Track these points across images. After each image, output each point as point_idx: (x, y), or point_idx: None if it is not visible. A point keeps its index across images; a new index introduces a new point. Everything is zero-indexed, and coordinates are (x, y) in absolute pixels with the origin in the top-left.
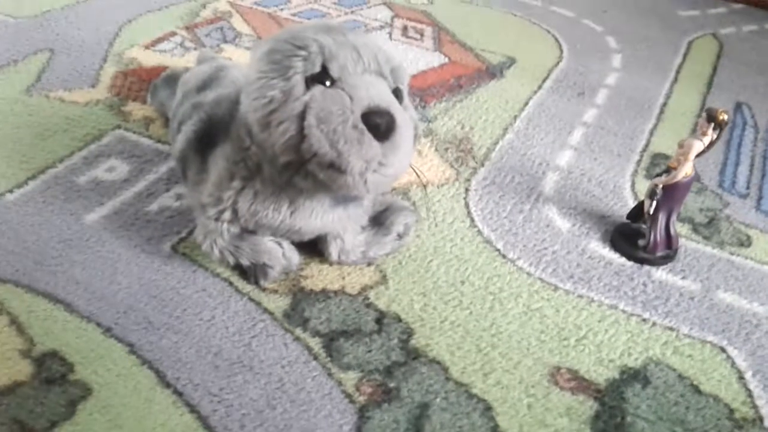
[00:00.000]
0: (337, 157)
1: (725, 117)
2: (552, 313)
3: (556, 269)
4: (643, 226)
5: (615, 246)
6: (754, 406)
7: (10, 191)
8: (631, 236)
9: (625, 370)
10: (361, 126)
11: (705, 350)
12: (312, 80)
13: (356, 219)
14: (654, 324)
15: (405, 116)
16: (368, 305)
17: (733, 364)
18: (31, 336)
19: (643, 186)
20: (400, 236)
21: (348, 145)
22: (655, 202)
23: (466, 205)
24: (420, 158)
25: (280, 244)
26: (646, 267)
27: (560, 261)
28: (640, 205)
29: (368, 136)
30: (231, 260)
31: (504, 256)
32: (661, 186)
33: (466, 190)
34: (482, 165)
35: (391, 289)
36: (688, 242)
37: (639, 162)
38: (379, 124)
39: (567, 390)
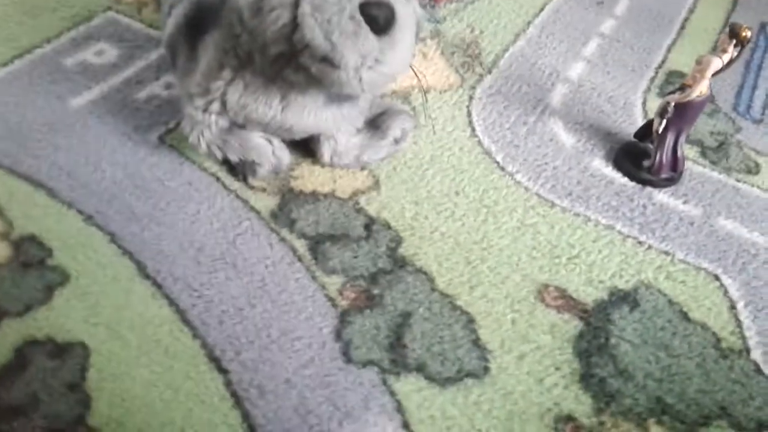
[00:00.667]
0: (331, 49)
1: (748, 34)
2: (546, 230)
3: (555, 185)
4: (650, 145)
5: (618, 164)
6: (742, 337)
7: None
8: (636, 155)
9: (615, 292)
10: (359, 17)
11: (699, 277)
12: None
13: (351, 120)
14: (649, 247)
15: (407, 11)
16: (358, 210)
17: (725, 292)
18: (11, 219)
19: (655, 104)
20: (396, 141)
21: (343, 37)
22: (665, 121)
23: (469, 114)
24: (424, 61)
25: (270, 142)
26: (648, 188)
27: (560, 177)
28: (649, 124)
29: (365, 29)
30: (218, 154)
31: (503, 169)
32: (673, 104)
33: (470, 97)
34: (489, 72)
35: (383, 195)
36: (694, 166)
37: (653, 79)
38: (377, 16)
39: (553, 308)
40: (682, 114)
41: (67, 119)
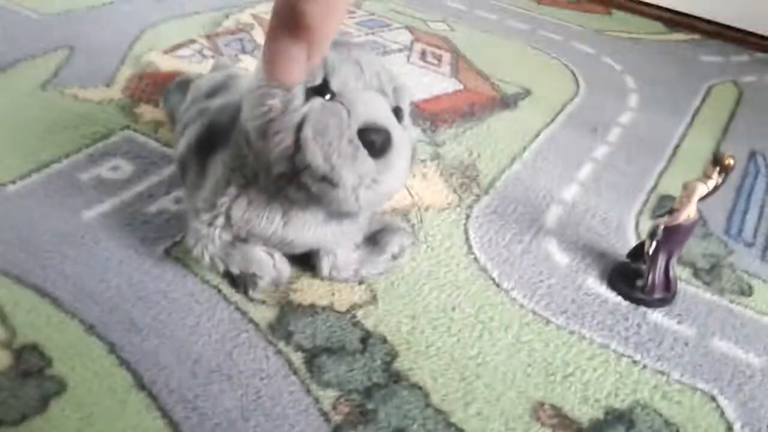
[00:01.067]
0: (330, 170)
1: (731, 162)
2: (541, 347)
3: (550, 303)
4: (643, 266)
5: (612, 284)
6: None
7: (13, 182)
8: (629, 276)
9: (610, 412)
10: (357, 141)
11: (695, 398)
12: (312, 92)
13: (350, 236)
14: (645, 367)
15: (403, 135)
16: (355, 324)
17: (722, 414)
18: (14, 327)
19: (647, 226)
20: (394, 257)
21: (342, 159)
22: (655, 243)
23: (465, 232)
24: (424, 181)
25: (271, 255)
26: (642, 308)
27: (555, 295)
28: (641, 245)
29: (363, 152)
30: (221, 267)
31: (498, 286)
32: (662, 227)
33: (467, 216)
34: (486, 193)
35: (380, 309)
36: (687, 286)
37: (646, 202)
38: (374, 141)
39: (548, 426)
40: (671, 236)
41: (77, 231)
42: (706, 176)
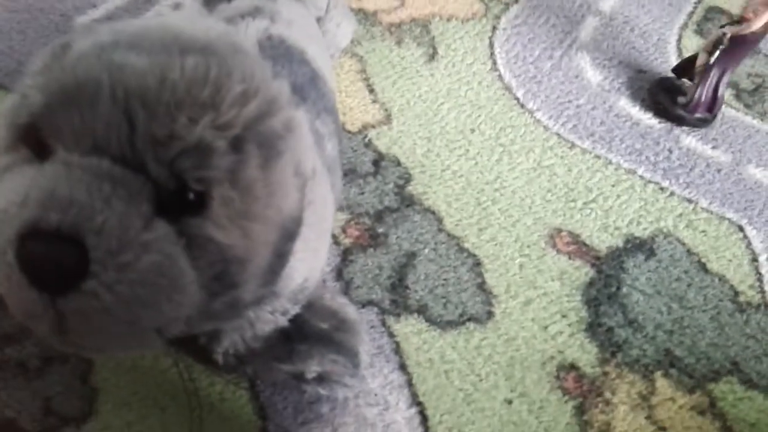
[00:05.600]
0: None
1: None
2: (563, 172)
3: (576, 125)
4: (689, 82)
5: (652, 98)
6: (762, 291)
7: None
8: (672, 91)
9: (631, 240)
10: (11, 259)
11: (721, 227)
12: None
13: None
14: (672, 194)
15: (150, 257)
16: (367, 145)
17: (748, 244)
18: None
19: (690, 42)
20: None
21: (2, 286)
22: (717, 53)
23: (491, 46)
24: None
25: None
26: (675, 132)
27: (583, 116)
28: (690, 59)
29: (19, 278)
30: None
31: (522, 106)
32: (728, 35)
33: (494, 28)
34: (516, 1)
35: (394, 130)
36: (727, 109)
37: (691, 14)
38: (38, 263)
39: (564, 254)
40: (732, 50)
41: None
42: None
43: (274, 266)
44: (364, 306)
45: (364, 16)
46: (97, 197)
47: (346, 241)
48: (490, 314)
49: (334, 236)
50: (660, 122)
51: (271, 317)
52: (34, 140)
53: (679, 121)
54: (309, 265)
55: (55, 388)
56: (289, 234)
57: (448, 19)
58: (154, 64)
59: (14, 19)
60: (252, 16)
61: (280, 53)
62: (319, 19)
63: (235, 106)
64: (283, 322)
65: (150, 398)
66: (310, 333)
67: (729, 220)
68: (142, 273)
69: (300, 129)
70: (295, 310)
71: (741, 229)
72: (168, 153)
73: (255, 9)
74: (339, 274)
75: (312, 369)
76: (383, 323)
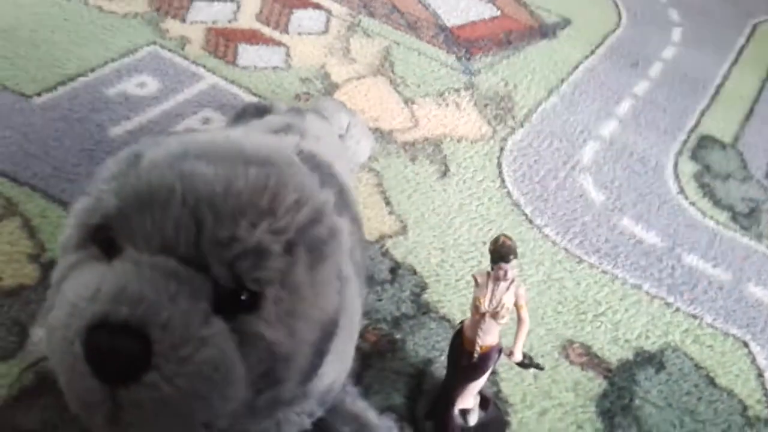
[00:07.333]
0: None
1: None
2: (572, 286)
3: (583, 241)
4: None
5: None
6: None
7: (38, 94)
8: None
9: (640, 353)
10: (78, 349)
11: (726, 343)
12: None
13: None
14: (677, 309)
15: (207, 352)
16: (384, 254)
17: (753, 360)
18: (42, 241)
19: (686, 167)
20: None
21: (64, 375)
22: None
23: (499, 165)
24: (457, 111)
25: None
26: (677, 250)
27: (589, 233)
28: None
29: (83, 368)
30: None
31: (531, 222)
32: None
33: (501, 149)
34: (521, 126)
35: (410, 240)
36: (724, 231)
37: (685, 142)
38: (104, 354)
39: (577, 365)
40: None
41: (104, 146)
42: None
43: (313, 365)
44: (382, 411)
45: (381, 135)
46: (164, 294)
47: (365, 346)
48: (506, 424)
49: None
50: (662, 241)
51: (297, 419)
52: (106, 240)
53: None
54: (337, 367)
55: None
56: (328, 334)
57: (459, 140)
58: (221, 174)
59: (51, 126)
60: (285, 132)
61: (312, 167)
62: (340, 137)
63: (289, 213)
64: (307, 424)
65: None
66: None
67: (733, 336)
68: (200, 367)
69: (342, 235)
70: (320, 412)
71: (746, 344)
72: (229, 254)
73: (287, 126)
74: (358, 378)
75: None
76: (401, 429)
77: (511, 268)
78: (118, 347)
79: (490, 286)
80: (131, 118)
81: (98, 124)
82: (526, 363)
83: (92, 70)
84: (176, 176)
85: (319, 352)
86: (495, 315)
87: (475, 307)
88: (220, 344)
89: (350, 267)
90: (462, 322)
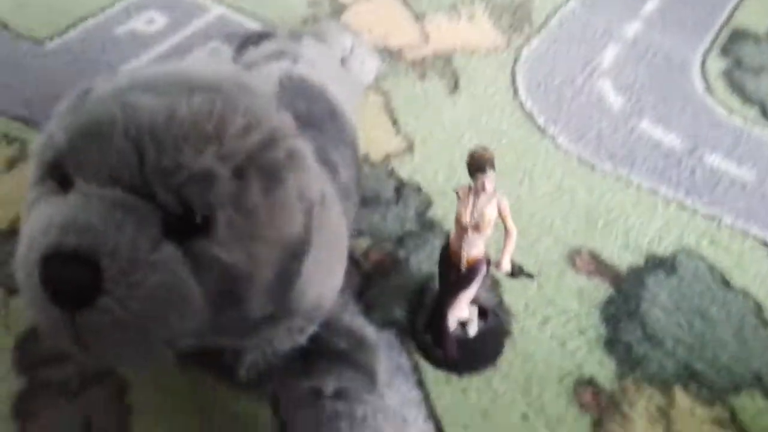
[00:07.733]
0: None
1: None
2: (584, 194)
3: (598, 147)
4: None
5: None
6: None
7: (50, 38)
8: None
9: (651, 258)
10: (36, 279)
11: (746, 243)
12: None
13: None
14: (695, 212)
15: (159, 276)
16: (390, 174)
17: None
18: None
19: (715, 64)
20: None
21: (30, 304)
22: None
23: (513, 75)
24: (470, 23)
25: None
26: (698, 151)
27: (604, 139)
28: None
29: (42, 296)
30: None
31: (543, 132)
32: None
33: (515, 59)
34: (538, 32)
35: (416, 159)
36: (752, 127)
37: (715, 39)
38: (57, 282)
39: (583, 273)
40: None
41: None
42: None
43: (281, 284)
44: (383, 326)
45: (389, 54)
46: (111, 223)
47: (368, 266)
48: (507, 332)
49: (356, 261)
50: (682, 142)
51: (287, 335)
52: (59, 174)
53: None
54: (322, 284)
55: (93, 406)
56: (294, 254)
57: (471, 53)
58: (164, 103)
59: (64, 69)
60: (276, 58)
61: (300, 91)
62: (343, 59)
63: (237, 138)
64: (301, 340)
65: (181, 416)
66: (329, 351)
67: (753, 236)
68: (151, 290)
69: (303, 158)
70: (312, 329)
71: (765, 244)
72: (174, 181)
73: (279, 52)
74: (360, 296)
75: (330, 385)
76: (402, 343)
77: (489, 180)
78: (69, 275)
79: (471, 199)
80: (140, 55)
81: (109, 63)
82: (516, 272)
83: (102, 10)
84: (119, 108)
85: (285, 271)
86: (477, 227)
87: (458, 221)
88: (171, 267)
89: (329, 187)
90: (448, 236)
